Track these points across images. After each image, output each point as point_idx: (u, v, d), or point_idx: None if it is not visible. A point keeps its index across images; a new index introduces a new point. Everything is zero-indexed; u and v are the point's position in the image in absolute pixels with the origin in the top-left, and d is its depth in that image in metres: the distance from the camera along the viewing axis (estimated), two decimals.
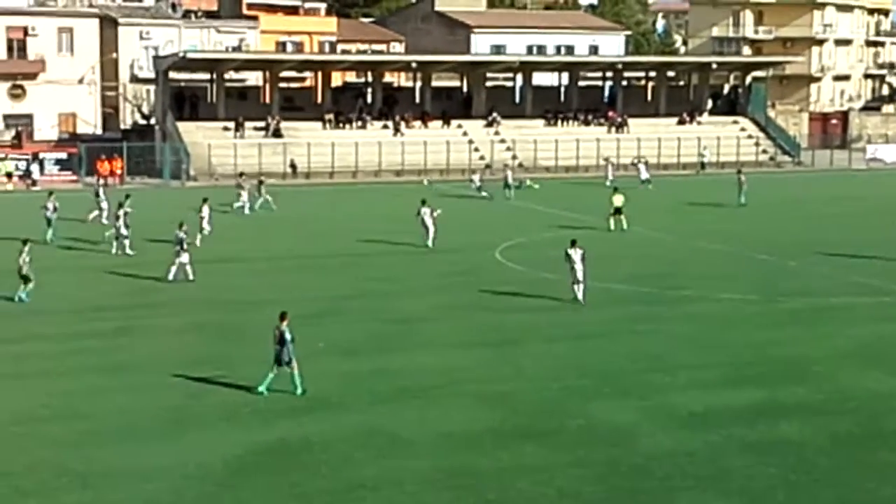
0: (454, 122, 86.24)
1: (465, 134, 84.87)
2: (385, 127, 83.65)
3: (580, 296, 35.33)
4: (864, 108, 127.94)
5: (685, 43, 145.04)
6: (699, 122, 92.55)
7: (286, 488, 19.88)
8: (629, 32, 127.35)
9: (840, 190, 71.22)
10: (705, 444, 22.32)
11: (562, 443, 22.39)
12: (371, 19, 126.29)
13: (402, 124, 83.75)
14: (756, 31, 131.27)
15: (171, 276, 38.48)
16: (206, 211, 47.65)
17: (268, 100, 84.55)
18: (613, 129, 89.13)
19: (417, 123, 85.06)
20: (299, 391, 25.20)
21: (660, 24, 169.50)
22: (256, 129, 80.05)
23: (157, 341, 30.69)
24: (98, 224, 50.52)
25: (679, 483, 20.35)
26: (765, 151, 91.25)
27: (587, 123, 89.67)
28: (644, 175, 70.64)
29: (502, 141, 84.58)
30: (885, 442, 22.53)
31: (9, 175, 70.95)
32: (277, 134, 79.87)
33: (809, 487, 20.18)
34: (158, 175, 74.93)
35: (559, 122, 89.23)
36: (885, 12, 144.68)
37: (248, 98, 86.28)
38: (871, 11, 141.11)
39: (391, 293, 37.37)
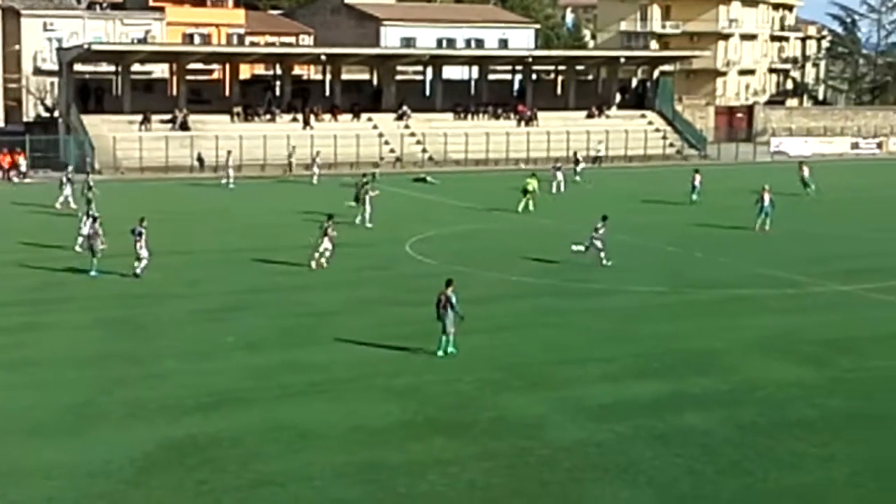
0: (364, 116, 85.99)
1: (375, 127, 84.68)
2: (294, 120, 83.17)
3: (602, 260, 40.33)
4: (769, 102, 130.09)
5: (594, 37, 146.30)
6: (608, 116, 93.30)
7: (193, 485, 19.66)
8: (538, 26, 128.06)
9: (744, 182, 72.09)
10: (613, 435, 22.51)
11: (472, 435, 22.43)
12: (280, 11, 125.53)
13: (312, 117, 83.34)
14: (663, 26, 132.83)
15: (138, 271, 37.87)
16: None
17: (174, 92, 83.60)
18: (523, 122, 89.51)
19: (327, 117, 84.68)
20: (440, 354, 27.85)
21: (569, 19, 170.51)
22: (163, 122, 79.08)
23: (63, 337, 30.18)
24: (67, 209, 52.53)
25: (587, 474, 20.50)
26: (672, 145, 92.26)
27: (497, 117, 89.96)
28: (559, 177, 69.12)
29: (412, 134, 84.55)
30: (789, 431, 22.89)
31: None
32: (185, 127, 78.99)
33: (714, 477, 20.44)
34: (62, 169, 73.60)
35: (469, 115, 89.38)
36: (790, 7, 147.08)
37: (154, 91, 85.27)
38: (776, 7, 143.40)
39: (301, 287, 37.17)
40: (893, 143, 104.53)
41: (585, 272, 40.06)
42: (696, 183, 61.16)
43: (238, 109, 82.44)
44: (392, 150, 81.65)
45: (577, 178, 68.89)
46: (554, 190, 64.29)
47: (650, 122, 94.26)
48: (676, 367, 27.74)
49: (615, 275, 39.45)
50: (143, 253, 37.94)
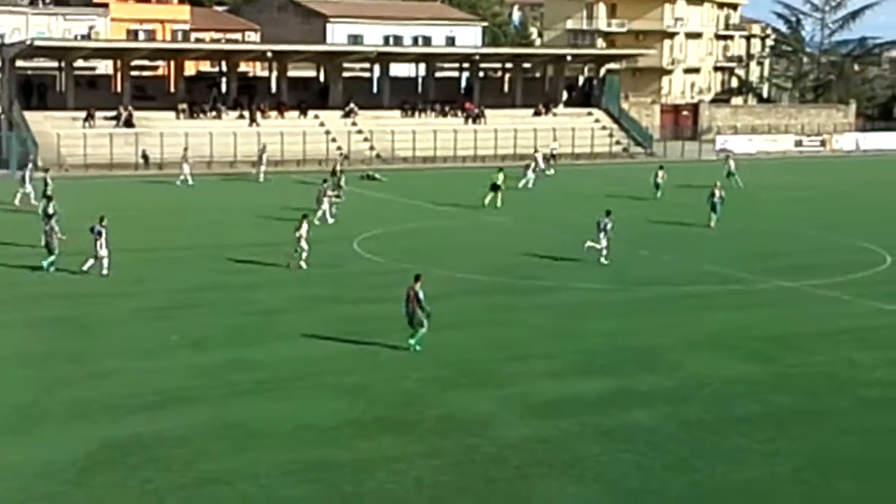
0: (311, 113, 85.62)
1: (322, 125, 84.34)
2: (241, 117, 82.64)
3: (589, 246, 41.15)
4: (714, 101, 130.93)
5: (540, 35, 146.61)
6: (555, 114, 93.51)
7: (137, 485, 19.48)
8: (486, 24, 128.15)
9: (690, 180, 72.61)
10: (560, 431, 22.56)
11: (419, 433, 22.41)
12: (225, 8, 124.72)
13: (259, 115, 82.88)
14: (609, 24, 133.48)
15: (85, 267, 37.36)
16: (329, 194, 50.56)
17: (119, 89, 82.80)
18: (470, 120, 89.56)
19: (274, 114, 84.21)
20: (418, 348, 27.94)
21: (516, 16, 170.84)
22: (107, 118, 78.31)
23: (7, 336, 29.74)
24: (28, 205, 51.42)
25: (534, 471, 20.53)
26: (618, 143, 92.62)
27: (444, 114, 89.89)
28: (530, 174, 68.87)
29: (360, 132, 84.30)
30: (734, 427, 23.06)
31: None
32: (129, 124, 78.28)
33: (661, 473, 20.54)
34: (5, 166, 72.74)
35: (416, 113, 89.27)
36: (734, 6, 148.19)
37: (98, 87, 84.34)
38: (721, 5, 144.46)
39: (248, 285, 36.94)
40: (836, 141, 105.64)
41: (532, 269, 40.13)
42: (660, 179, 62.45)
43: (183, 106, 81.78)
44: (339, 148, 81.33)
45: (541, 173, 69.35)
46: (522, 184, 64.80)
47: (597, 120, 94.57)
48: (622, 363, 27.86)
49: (562, 272, 39.55)
50: (103, 252, 37.61)
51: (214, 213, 54.47)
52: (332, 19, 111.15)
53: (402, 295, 35.10)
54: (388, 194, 62.05)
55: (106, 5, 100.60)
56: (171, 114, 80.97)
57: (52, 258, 38.06)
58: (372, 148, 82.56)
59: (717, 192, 51.06)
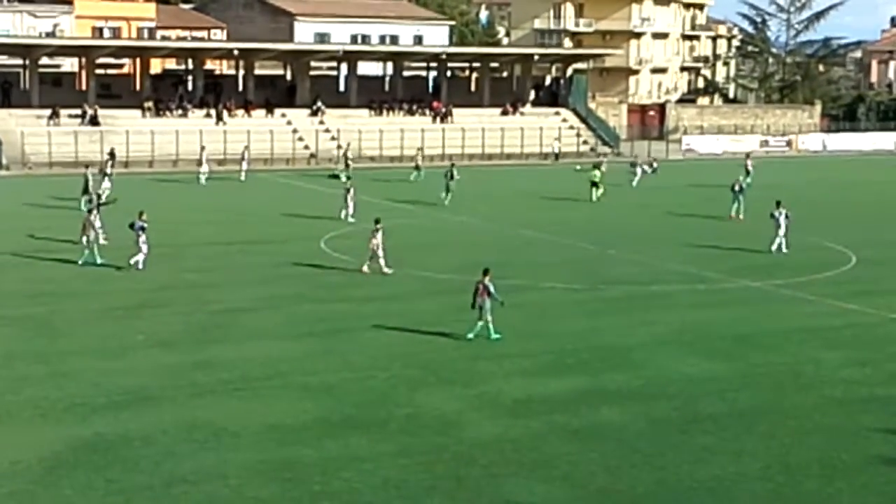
0: (278, 111, 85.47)
1: (289, 123, 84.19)
2: (207, 115, 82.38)
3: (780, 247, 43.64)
4: (681, 101, 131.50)
5: (508, 34, 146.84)
6: (522, 114, 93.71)
7: (103, 485, 19.33)
8: (453, 23, 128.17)
9: (657, 180, 72.88)
10: (528, 431, 22.56)
11: (388, 432, 22.36)
12: (191, 5, 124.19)
13: (225, 113, 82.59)
14: (577, 24, 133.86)
15: (132, 261, 37.78)
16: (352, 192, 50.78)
17: (84, 87, 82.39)
18: (438, 119, 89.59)
19: (240, 112, 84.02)
20: (470, 336, 28.89)
21: (483, 15, 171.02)
22: (72, 116, 77.92)
23: None
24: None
25: (503, 470, 20.52)
26: (586, 142, 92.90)
27: (412, 113, 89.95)
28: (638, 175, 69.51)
29: (327, 130, 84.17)
30: (700, 425, 23.14)
31: None
32: (94, 122, 77.85)
33: (629, 472, 20.57)
34: None
35: (384, 111, 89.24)
36: (701, 7, 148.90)
37: (63, 85, 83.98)
38: (688, 6, 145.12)
39: (213, 284, 36.79)
40: (802, 142, 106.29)
41: (501, 269, 39.96)
42: (749, 168, 65.99)
43: (149, 104, 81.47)
44: (306, 147, 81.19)
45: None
46: (634, 183, 68.01)
47: (564, 120, 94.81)
48: (591, 362, 27.91)
49: (531, 271, 39.58)
50: (144, 248, 37.65)
51: (175, 212, 54.04)
52: (298, 17, 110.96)
53: (369, 295, 35.25)
54: (356, 193, 61.81)
55: (71, 2, 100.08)
56: (137, 112, 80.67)
57: (86, 252, 38.93)
58: (339, 147, 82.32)
59: (737, 185, 54.16)
